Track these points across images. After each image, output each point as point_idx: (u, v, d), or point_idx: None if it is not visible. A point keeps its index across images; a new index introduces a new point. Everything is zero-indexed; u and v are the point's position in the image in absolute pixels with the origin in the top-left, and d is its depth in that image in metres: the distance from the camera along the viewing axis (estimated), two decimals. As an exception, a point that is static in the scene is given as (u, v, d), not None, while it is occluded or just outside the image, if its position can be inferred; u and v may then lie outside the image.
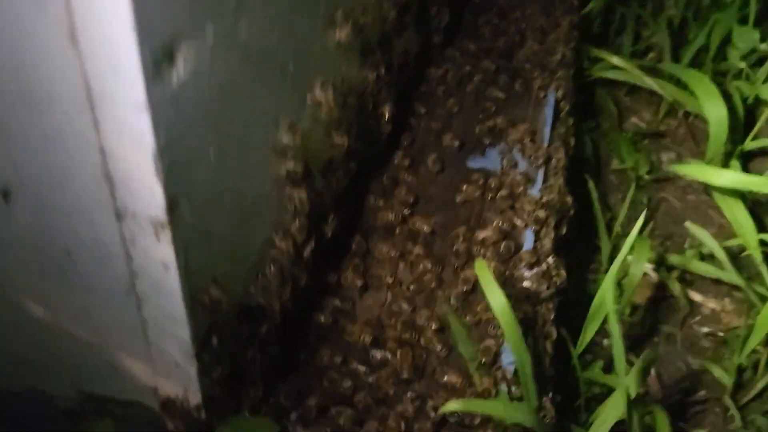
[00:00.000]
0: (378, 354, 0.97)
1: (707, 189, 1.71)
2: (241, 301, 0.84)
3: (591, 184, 1.48)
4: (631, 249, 1.03)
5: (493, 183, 1.22)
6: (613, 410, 0.94)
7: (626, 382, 0.93)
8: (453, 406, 0.80)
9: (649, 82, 1.56)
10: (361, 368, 0.95)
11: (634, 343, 1.40)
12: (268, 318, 0.87)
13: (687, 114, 1.86)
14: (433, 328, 0.99)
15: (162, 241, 0.66)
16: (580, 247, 1.40)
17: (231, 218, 0.77)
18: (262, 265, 0.88)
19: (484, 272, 0.89)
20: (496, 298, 0.87)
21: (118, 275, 0.72)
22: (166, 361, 0.78)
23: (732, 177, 1.17)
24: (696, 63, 1.74)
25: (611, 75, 1.68)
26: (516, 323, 0.88)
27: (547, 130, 1.34)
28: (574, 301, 1.23)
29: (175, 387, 0.81)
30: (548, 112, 1.39)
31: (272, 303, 0.87)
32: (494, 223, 1.14)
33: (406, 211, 1.18)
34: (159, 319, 0.74)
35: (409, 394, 0.92)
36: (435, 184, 1.26)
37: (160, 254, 0.68)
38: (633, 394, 0.94)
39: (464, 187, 1.23)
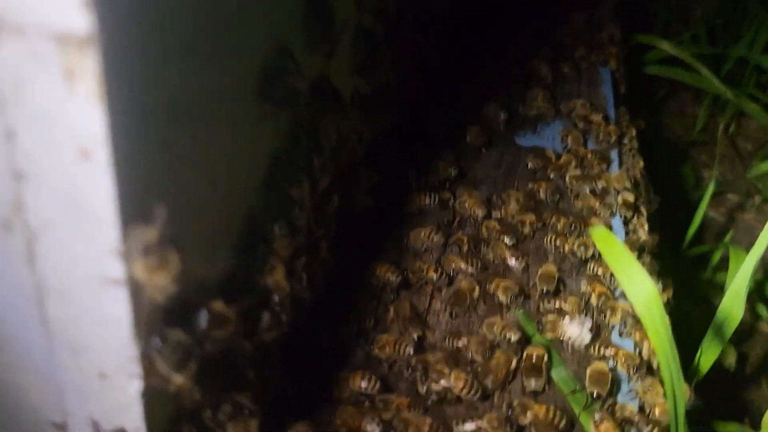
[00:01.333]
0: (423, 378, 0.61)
1: (761, 207, 1.47)
2: (225, 269, 0.49)
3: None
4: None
5: (560, 162, 0.92)
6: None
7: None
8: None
9: (706, 73, 1.32)
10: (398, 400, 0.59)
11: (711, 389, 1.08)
12: (271, 305, 0.51)
13: (727, 128, 1.64)
14: (510, 340, 0.65)
15: (78, 88, 0.31)
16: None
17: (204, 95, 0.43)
18: (264, 209, 0.53)
19: (611, 245, 0.56)
20: (640, 283, 0.54)
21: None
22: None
23: None
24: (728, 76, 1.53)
25: (656, 71, 1.43)
26: (667, 325, 0.55)
27: (611, 108, 1.06)
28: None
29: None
30: (606, 89, 1.12)
31: (278, 280, 0.51)
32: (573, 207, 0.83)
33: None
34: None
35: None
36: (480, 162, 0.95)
37: (73, 116, 0.32)
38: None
39: (524, 166, 0.91)
